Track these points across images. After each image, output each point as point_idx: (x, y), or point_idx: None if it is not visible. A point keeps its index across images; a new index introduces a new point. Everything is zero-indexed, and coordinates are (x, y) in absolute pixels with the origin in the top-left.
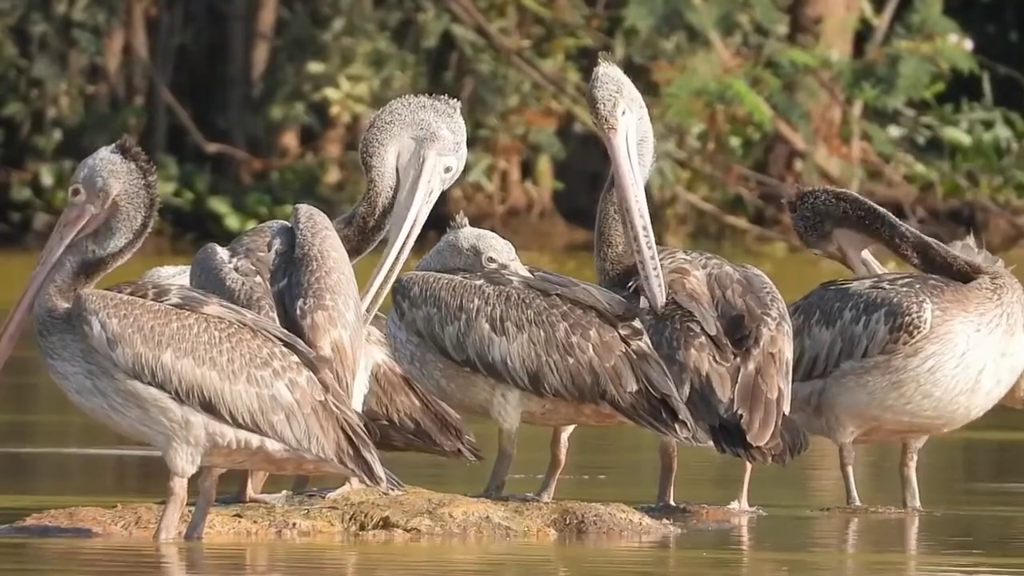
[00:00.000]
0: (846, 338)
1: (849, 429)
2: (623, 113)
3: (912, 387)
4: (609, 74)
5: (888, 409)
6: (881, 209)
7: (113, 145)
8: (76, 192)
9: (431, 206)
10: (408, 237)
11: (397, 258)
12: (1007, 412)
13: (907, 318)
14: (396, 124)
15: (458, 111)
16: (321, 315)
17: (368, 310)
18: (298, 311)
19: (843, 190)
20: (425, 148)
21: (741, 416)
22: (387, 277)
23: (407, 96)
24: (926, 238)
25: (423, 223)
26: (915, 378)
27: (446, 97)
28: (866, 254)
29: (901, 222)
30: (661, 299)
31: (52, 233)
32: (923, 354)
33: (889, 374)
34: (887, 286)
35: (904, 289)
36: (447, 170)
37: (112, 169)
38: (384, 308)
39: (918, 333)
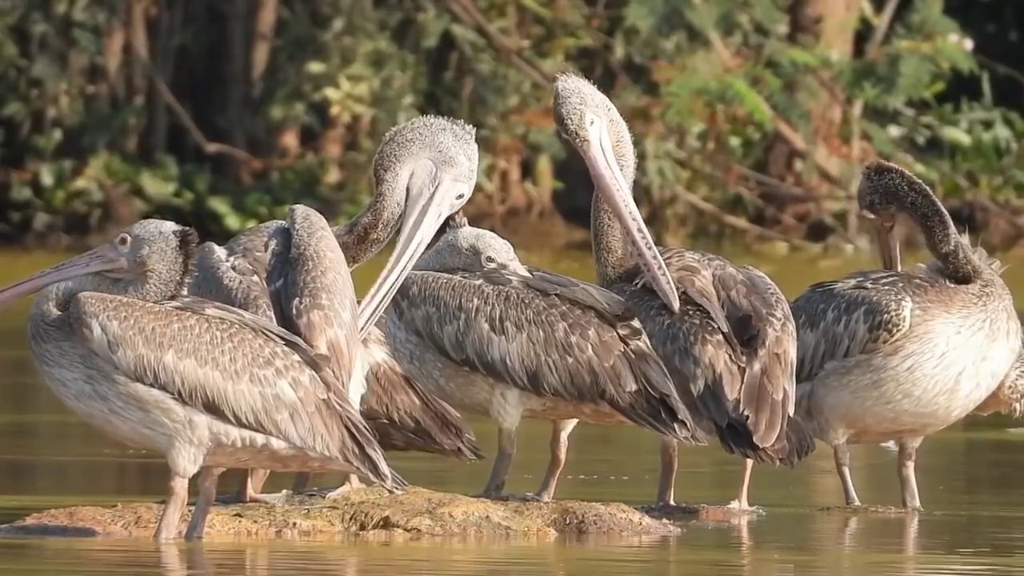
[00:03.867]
0: (828, 338)
1: (839, 430)
2: (591, 123)
3: (892, 386)
4: (568, 88)
5: (870, 408)
6: (943, 211)
7: (180, 229)
8: (123, 241)
9: (437, 227)
10: (412, 257)
11: (398, 276)
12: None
13: (886, 316)
14: (416, 143)
15: (473, 137)
16: (317, 314)
17: (366, 321)
18: (294, 310)
19: (918, 180)
20: (442, 171)
21: (747, 417)
22: (386, 293)
23: (429, 117)
24: (962, 246)
25: (427, 244)
26: (895, 377)
27: (463, 122)
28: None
29: (953, 228)
30: (675, 296)
31: (84, 254)
32: (903, 353)
33: (870, 373)
34: (870, 285)
35: (886, 288)
36: (459, 196)
37: (162, 248)
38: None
39: (897, 331)
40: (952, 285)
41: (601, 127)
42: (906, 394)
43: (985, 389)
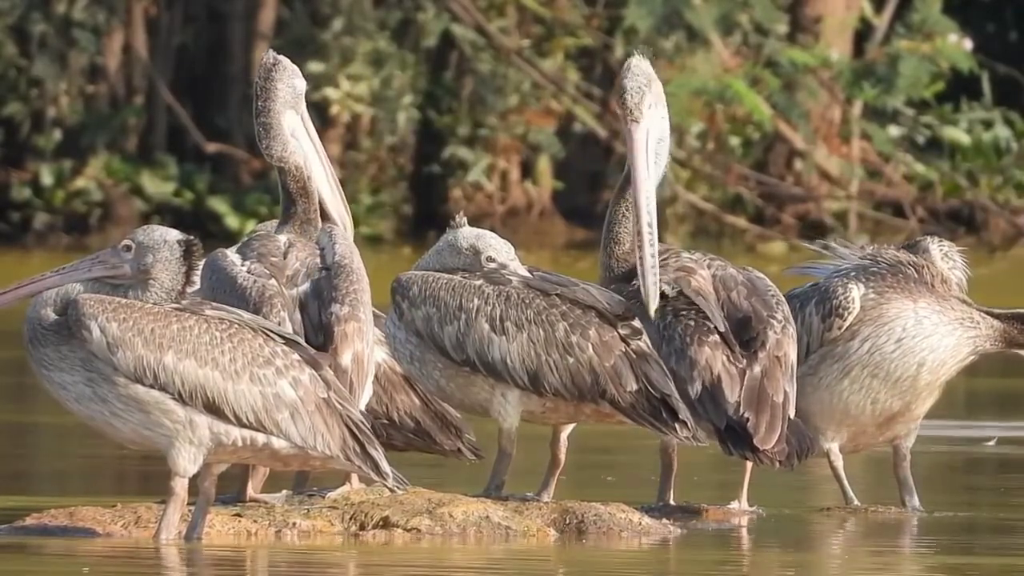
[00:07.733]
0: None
1: (829, 433)
2: (649, 107)
3: (859, 370)
4: (641, 67)
5: (849, 401)
6: None
7: (185, 238)
8: (127, 248)
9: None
10: (336, 181)
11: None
12: (1008, 409)
13: (835, 301)
14: (274, 129)
15: (275, 54)
16: (353, 326)
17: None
18: (333, 316)
19: None
20: (299, 106)
21: (747, 419)
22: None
23: (255, 101)
24: None
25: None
26: (859, 361)
27: (268, 56)
28: None
29: None
30: (655, 297)
31: (86, 258)
32: (860, 336)
33: (837, 363)
34: (823, 281)
35: (835, 278)
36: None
37: (167, 257)
38: (384, 307)
39: (848, 314)
40: (928, 287)
41: (653, 117)
42: (873, 375)
43: (955, 338)
